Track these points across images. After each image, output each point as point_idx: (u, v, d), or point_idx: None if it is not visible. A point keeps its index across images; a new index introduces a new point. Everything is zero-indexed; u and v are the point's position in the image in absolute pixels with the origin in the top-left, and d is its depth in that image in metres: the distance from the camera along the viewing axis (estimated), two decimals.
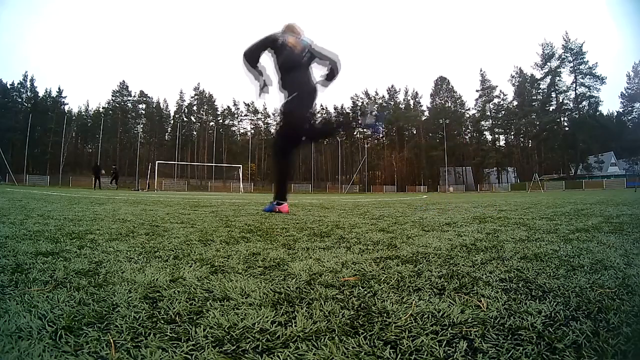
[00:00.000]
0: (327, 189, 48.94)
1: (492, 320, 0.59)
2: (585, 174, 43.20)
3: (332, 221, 2.29)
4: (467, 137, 57.89)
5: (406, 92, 63.11)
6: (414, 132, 60.36)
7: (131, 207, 3.50)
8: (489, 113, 54.58)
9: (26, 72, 51.55)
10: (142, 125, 57.15)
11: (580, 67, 44.46)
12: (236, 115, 62.81)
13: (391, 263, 1.02)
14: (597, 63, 43.60)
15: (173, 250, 1.20)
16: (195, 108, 60.04)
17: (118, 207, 3.54)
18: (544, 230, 1.74)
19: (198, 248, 1.26)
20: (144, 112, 57.96)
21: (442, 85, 58.99)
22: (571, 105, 45.94)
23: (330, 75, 3.24)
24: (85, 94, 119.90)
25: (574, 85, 45.20)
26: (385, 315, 0.62)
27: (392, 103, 62.23)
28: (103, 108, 56.16)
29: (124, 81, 56.80)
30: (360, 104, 63.21)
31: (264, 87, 3.15)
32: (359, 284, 0.81)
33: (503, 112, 53.73)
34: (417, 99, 62.16)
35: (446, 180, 48.52)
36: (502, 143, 56.07)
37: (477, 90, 56.16)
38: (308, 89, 3.12)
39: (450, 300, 0.69)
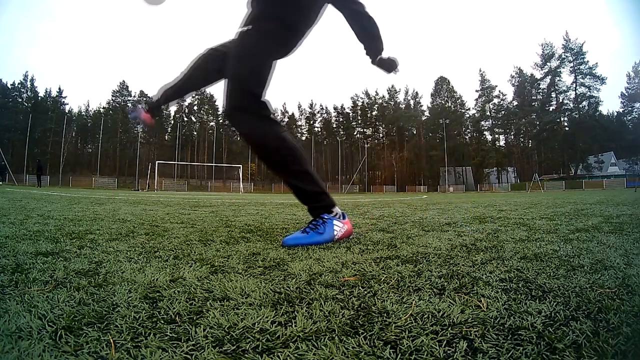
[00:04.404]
0: (327, 189, 48.83)
1: (492, 320, 0.59)
2: (585, 174, 43.22)
3: None
4: (467, 137, 57.93)
5: (406, 92, 63.19)
6: (414, 132, 60.41)
7: (131, 207, 3.50)
8: (488, 113, 54.61)
9: (26, 72, 51.80)
10: (142, 126, 57.08)
11: (580, 67, 44.53)
12: None
13: (391, 263, 1.02)
14: (597, 63, 43.73)
15: (173, 250, 1.20)
16: (195, 108, 60.07)
17: (118, 207, 3.54)
18: (544, 230, 1.74)
19: (198, 248, 1.26)
20: None
21: (442, 85, 59.03)
22: (571, 105, 46.02)
23: None
24: (86, 94, 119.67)
25: (574, 85, 45.28)
26: (385, 315, 0.62)
27: (392, 103, 62.24)
28: (103, 108, 56.24)
29: (124, 81, 56.93)
30: (360, 103, 63.23)
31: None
32: (359, 284, 0.81)
33: (503, 112, 53.78)
34: (417, 99, 62.24)
35: (446, 180, 48.55)
36: (502, 143, 56.15)
37: (476, 91, 56.25)
38: None
39: (450, 300, 0.69)
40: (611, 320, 0.58)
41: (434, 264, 1.01)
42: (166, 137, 58.45)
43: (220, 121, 60.10)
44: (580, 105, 44.94)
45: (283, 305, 0.67)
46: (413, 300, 0.69)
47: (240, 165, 35.02)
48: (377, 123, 62.83)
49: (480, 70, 57.06)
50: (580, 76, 44.73)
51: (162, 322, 0.58)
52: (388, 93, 63.07)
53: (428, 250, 1.21)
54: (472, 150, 54.89)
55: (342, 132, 63.02)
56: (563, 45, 45.94)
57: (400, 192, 37.87)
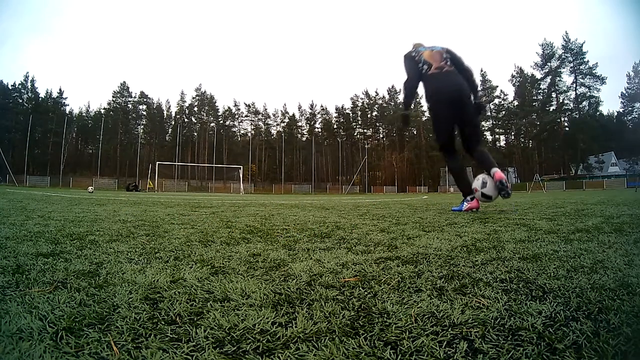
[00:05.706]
0: (327, 189, 48.94)
1: (493, 320, 0.59)
2: (586, 174, 43.15)
3: (333, 222, 2.29)
4: None
5: None
6: (415, 133, 60.35)
7: (132, 208, 3.50)
8: (489, 113, 54.56)
9: (27, 72, 51.76)
10: (142, 126, 57.20)
11: (581, 67, 44.48)
12: (237, 116, 62.84)
13: (392, 264, 1.02)
14: (597, 63, 43.66)
15: (173, 251, 1.20)
16: (196, 109, 60.06)
17: (118, 208, 3.55)
18: (545, 231, 1.74)
19: (198, 249, 1.26)
20: (144, 113, 57.98)
21: None
22: (571, 105, 45.97)
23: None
24: (86, 95, 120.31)
25: (574, 85, 45.23)
26: (385, 316, 0.62)
27: (392, 103, 62.23)
28: (104, 109, 56.24)
29: (124, 82, 56.86)
30: (360, 104, 63.20)
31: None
32: (360, 284, 0.81)
33: (503, 112, 53.77)
34: (417, 99, 62.14)
35: (447, 181, 48.47)
36: (502, 143, 56.08)
37: None
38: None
39: (450, 301, 0.69)
40: (611, 321, 0.58)
41: (434, 265, 1.01)
42: (167, 138, 58.44)
43: (221, 122, 60.12)
44: (581, 105, 44.91)
45: (283, 306, 0.67)
46: (414, 301, 0.69)
47: (241, 166, 35.03)
48: (378, 123, 62.82)
49: (481, 70, 56.79)
50: (580, 76, 44.70)
51: (163, 323, 0.58)
52: (388, 93, 63.06)
53: (428, 251, 1.21)
54: None
55: (342, 133, 63.00)
56: (563, 45, 45.92)
57: (401, 193, 37.87)
